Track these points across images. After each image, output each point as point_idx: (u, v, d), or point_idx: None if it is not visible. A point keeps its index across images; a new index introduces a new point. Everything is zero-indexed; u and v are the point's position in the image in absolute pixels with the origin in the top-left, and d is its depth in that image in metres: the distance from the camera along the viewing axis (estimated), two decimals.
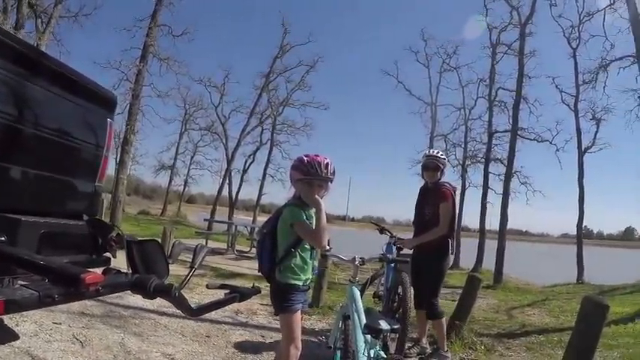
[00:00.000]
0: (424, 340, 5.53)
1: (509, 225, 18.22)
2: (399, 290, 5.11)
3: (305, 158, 3.25)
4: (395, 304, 5.27)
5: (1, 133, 2.71)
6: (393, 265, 5.38)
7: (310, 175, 3.21)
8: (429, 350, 5.33)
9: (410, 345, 5.34)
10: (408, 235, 5.94)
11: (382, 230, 6.22)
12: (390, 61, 42.33)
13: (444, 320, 5.43)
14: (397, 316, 5.06)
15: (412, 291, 5.01)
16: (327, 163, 3.23)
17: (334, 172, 3.28)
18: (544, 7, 21.54)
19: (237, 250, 15.56)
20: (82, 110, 3.54)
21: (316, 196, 3.21)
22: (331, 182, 3.34)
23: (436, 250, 5.29)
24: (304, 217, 3.25)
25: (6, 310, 1.79)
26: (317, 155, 3.26)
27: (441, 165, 5.44)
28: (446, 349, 5.29)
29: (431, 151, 5.71)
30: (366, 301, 3.60)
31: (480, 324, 7.25)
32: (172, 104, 40.90)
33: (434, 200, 5.37)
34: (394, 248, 5.71)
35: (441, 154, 5.57)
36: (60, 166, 3.38)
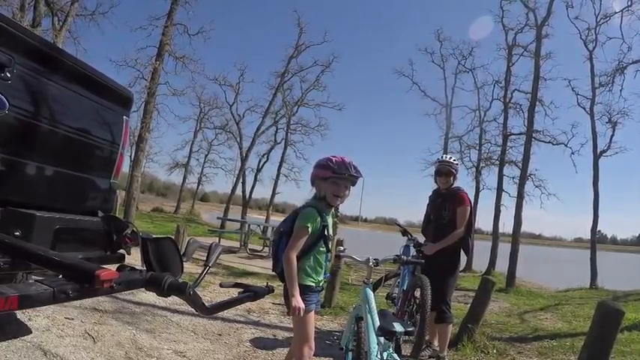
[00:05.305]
0: (436, 342, 5.50)
1: (523, 228, 18.03)
2: (416, 293, 5.07)
3: (333, 158, 3.26)
4: (411, 307, 5.23)
5: (17, 129, 2.72)
6: (410, 267, 5.35)
7: (339, 174, 3.21)
8: (443, 354, 5.29)
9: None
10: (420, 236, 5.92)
11: (404, 232, 6.20)
12: (404, 65, 41.98)
13: (451, 326, 5.41)
14: (413, 319, 5.02)
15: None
16: (355, 165, 3.25)
17: (360, 173, 3.29)
18: (561, 8, 21.38)
19: (249, 249, 15.56)
20: (99, 107, 3.55)
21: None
22: (355, 184, 3.36)
23: (449, 255, 5.28)
24: (315, 223, 3.23)
25: (20, 306, 1.78)
26: (344, 156, 3.27)
27: (454, 170, 5.44)
28: (445, 353, 5.28)
29: (444, 156, 5.68)
30: (378, 303, 3.57)
31: (492, 327, 7.19)
32: (187, 103, 41.34)
33: (451, 205, 5.37)
34: (412, 250, 5.68)
35: (454, 160, 5.56)
36: (76, 163, 3.40)
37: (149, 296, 6.31)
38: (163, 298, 2.48)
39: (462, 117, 34.62)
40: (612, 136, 22.09)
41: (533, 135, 19.69)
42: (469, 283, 14.46)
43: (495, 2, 23.72)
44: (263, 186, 41.48)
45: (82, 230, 3.24)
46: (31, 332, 4.38)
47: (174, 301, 5.85)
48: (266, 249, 15.69)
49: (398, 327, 2.86)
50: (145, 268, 2.58)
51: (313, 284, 3.27)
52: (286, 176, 36.70)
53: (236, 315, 6.39)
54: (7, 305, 1.71)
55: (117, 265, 2.70)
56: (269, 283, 3.16)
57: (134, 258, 3.17)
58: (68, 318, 5.06)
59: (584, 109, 22.16)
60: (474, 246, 5.67)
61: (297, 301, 3.07)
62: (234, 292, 2.92)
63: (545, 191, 23.81)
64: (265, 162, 36.57)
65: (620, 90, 21.43)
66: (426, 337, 5.11)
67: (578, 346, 5.27)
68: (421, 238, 5.85)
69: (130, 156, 22.69)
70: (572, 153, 23.01)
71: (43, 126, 2.96)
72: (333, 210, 3.48)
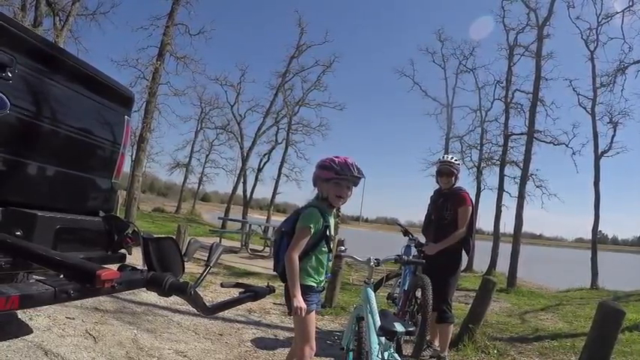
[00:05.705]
0: (437, 343, 5.50)
1: (524, 228, 17.98)
2: (417, 293, 5.07)
3: (336, 159, 3.26)
4: (412, 307, 5.23)
5: (18, 128, 2.72)
6: (411, 267, 5.35)
7: (342, 175, 3.22)
8: (444, 354, 5.28)
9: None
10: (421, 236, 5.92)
11: (406, 232, 6.20)
12: (405, 65, 41.69)
13: (452, 327, 5.40)
14: (415, 319, 5.02)
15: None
16: (358, 167, 3.26)
17: (363, 174, 3.30)
18: (562, 9, 21.35)
19: (251, 249, 15.56)
20: (100, 107, 3.55)
21: None
22: (357, 185, 3.37)
23: (450, 255, 5.28)
24: (318, 223, 3.23)
25: (21, 305, 1.78)
26: (346, 157, 3.28)
27: (455, 171, 5.44)
28: (446, 353, 5.28)
29: (445, 156, 5.68)
30: (379, 303, 3.57)
31: (493, 328, 7.18)
32: (189, 103, 41.29)
33: (452, 205, 5.37)
34: (414, 251, 5.68)
35: (456, 160, 5.55)
36: (77, 163, 3.40)
37: (150, 296, 6.30)
38: (164, 298, 2.49)
39: (463, 117, 34.78)
40: (613, 136, 22.02)
41: (535, 135, 19.65)
42: (470, 284, 14.45)
43: (496, 2, 23.82)
44: (264, 186, 41.80)
45: (83, 230, 3.24)
46: (32, 332, 4.38)
47: (175, 301, 5.85)
48: (267, 249, 15.71)
49: (399, 327, 2.86)
50: (146, 268, 2.57)
51: (314, 284, 3.27)
52: (287, 176, 36.78)
53: (237, 315, 6.39)
54: (9, 305, 1.71)
55: (118, 264, 2.70)
56: (270, 283, 3.16)
57: (135, 258, 3.18)
58: (69, 318, 5.06)
59: (585, 109, 22.11)
60: (474, 246, 5.67)
61: (299, 301, 3.07)
62: (235, 292, 2.92)
63: (546, 191, 23.77)
64: (266, 162, 36.65)
65: (622, 90, 21.35)
66: (427, 337, 5.11)
67: (579, 347, 5.27)
68: (422, 238, 5.85)
69: (131, 156, 22.72)
70: (573, 153, 22.97)
71: (45, 126, 2.96)
72: (334, 210, 3.48)
